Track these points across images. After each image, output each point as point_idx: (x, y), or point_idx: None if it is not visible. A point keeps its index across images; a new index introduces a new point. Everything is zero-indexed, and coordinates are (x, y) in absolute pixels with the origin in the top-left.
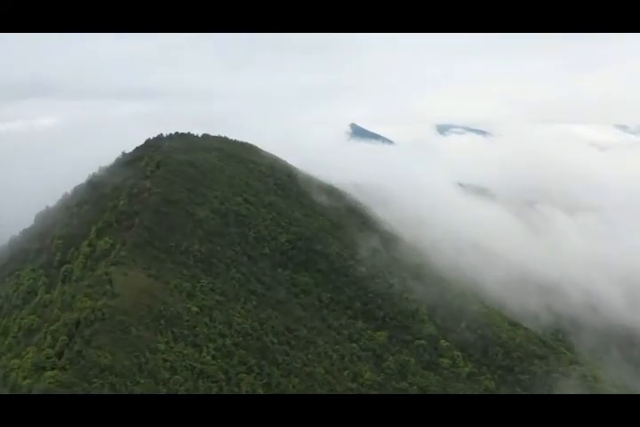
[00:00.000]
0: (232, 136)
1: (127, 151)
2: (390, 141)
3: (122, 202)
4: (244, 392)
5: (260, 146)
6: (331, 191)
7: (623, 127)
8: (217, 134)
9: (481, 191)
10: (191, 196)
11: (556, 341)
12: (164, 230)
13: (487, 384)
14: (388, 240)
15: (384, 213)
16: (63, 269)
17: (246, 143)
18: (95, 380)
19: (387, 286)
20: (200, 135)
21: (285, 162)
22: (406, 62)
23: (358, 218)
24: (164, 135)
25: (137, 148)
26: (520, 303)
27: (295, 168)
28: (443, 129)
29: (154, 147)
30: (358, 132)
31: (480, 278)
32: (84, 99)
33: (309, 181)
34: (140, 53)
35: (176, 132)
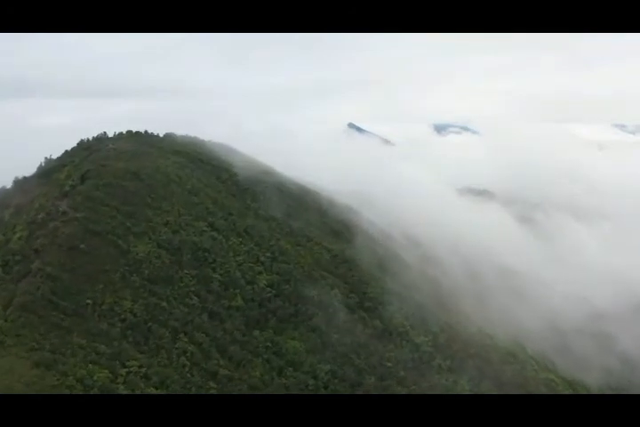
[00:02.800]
0: (215, 136)
1: (55, 156)
2: (387, 141)
3: (18, 234)
4: None
5: (243, 148)
6: (330, 207)
7: (621, 126)
8: (186, 134)
9: (482, 193)
10: (128, 223)
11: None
12: (78, 280)
13: None
14: (410, 281)
15: (384, 224)
16: None
17: (222, 145)
18: None
19: (412, 347)
20: (162, 135)
21: (272, 168)
22: (405, 60)
23: (365, 242)
24: (110, 135)
25: (66, 151)
26: (565, 350)
27: (285, 176)
28: (440, 128)
29: (89, 150)
30: (355, 131)
31: (516, 320)
32: (72, 98)
33: (303, 193)
34: (127, 52)
35: (128, 131)
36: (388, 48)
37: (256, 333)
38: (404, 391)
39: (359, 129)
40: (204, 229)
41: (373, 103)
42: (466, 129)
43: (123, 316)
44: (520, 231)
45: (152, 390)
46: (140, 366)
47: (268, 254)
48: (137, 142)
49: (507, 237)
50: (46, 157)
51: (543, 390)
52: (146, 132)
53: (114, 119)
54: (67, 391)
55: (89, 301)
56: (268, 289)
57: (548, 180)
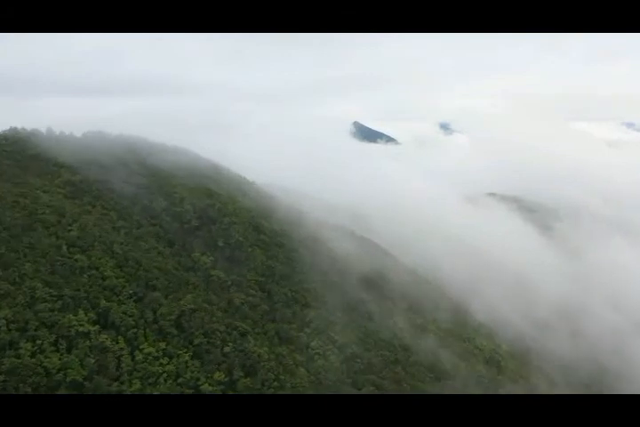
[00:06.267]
0: (208, 137)
1: None
2: (394, 140)
3: None
4: None
5: (228, 151)
6: (330, 240)
7: (630, 124)
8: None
9: (490, 195)
10: None
11: None
12: None
13: None
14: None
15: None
16: None
17: (175, 148)
18: None
19: None
20: (80, 135)
21: (254, 184)
22: (412, 60)
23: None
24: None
25: None
26: None
27: (266, 193)
28: (445, 126)
29: None
30: (361, 131)
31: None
32: (68, 97)
33: (288, 224)
34: (123, 49)
35: (12, 128)
36: (396, 48)
37: None
38: None
39: (365, 127)
40: (80, 324)
41: (380, 102)
42: (472, 127)
43: None
44: (538, 238)
45: None
46: None
47: (233, 358)
48: (18, 146)
49: (526, 246)
50: None
51: None
52: (50, 129)
53: (108, 118)
54: None
55: None
56: None
57: (558, 179)
